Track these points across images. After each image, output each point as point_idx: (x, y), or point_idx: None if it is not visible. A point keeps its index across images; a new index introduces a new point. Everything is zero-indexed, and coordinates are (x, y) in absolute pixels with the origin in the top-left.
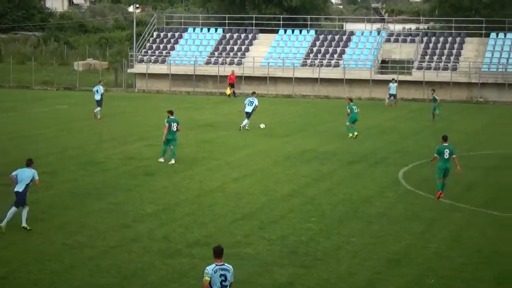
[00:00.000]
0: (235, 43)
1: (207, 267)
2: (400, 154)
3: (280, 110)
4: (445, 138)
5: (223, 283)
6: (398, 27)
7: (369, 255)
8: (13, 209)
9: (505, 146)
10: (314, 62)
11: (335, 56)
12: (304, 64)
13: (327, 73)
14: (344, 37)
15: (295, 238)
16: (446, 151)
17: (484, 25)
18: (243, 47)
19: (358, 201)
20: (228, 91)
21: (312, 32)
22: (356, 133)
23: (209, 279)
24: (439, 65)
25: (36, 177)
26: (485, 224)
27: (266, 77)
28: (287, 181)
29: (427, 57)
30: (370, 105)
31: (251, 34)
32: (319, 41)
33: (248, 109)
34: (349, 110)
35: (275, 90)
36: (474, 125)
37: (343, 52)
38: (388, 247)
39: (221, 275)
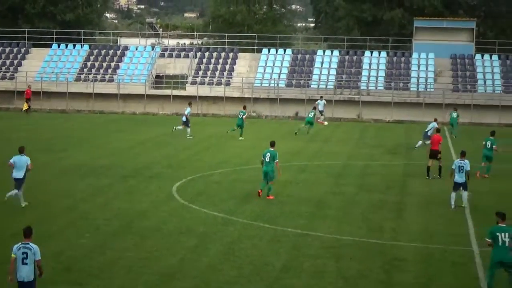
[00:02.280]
0: (7, 57)
1: (14, 246)
2: (174, 168)
3: (55, 125)
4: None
5: (24, 260)
6: (172, 42)
7: (144, 270)
8: (15, 191)
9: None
10: (88, 76)
11: (109, 70)
12: (78, 79)
13: (101, 88)
14: (119, 52)
15: (69, 254)
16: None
17: (256, 40)
18: (15, 61)
19: (133, 216)
20: (25, 106)
21: (86, 46)
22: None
23: (14, 256)
24: (213, 80)
25: (29, 162)
26: (256, 237)
27: (40, 91)
28: (64, 196)
29: (201, 72)
30: (143, 120)
31: (24, 48)
32: (93, 56)
33: None
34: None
35: (49, 105)
36: (248, 140)
37: (117, 66)
38: (162, 261)
39: (23, 253)
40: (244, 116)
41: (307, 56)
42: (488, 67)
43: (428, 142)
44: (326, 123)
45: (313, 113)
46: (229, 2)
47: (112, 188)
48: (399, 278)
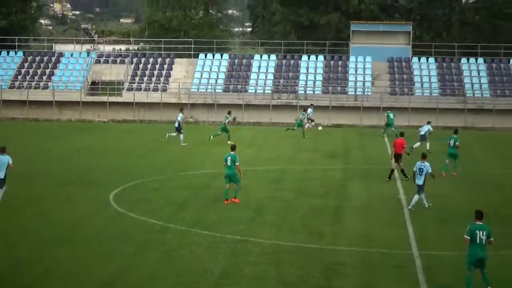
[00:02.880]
0: None
1: None
2: (111, 175)
3: None
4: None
5: None
6: (108, 48)
7: (83, 278)
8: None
9: (213, 165)
10: (22, 84)
11: (44, 77)
12: (12, 86)
13: (36, 95)
14: (53, 58)
15: (1, 265)
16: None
17: (192, 45)
18: None
19: (69, 224)
20: None
21: (20, 53)
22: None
23: None
24: (149, 86)
25: (11, 161)
26: (194, 244)
27: None
28: None
29: (137, 78)
30: (79, 127)
31: None
32: (28, 63)
33: None
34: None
35: None
36: (187, 146)
37: (52, 73)
38: (101, 269)
39: None
40: (227, 121)
41: (244, 61)
42: (425, 70)
43: (420, 143)
44: (320, 128)
45: (303, 115)
46: (165, 7)
47: (47, 195)
48: (339, 283)
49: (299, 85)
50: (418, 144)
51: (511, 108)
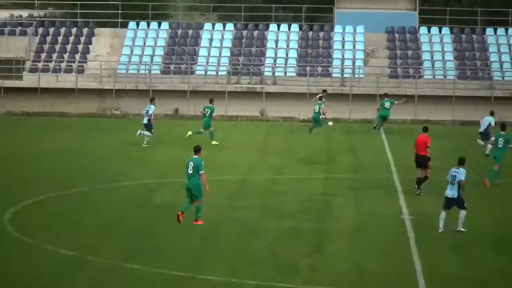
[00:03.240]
0: None
1: None
2: (10, 188)
3: None
4: None
5: None
6: (4, 14)
7: None
8: None
9: (161, 173)
10: None
11: None
12: None
13: None
14: None
15: None
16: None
17: (120, 11)
18: None
19: None
20: None
21: None
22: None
23: None
24: (60, 66)
25: None
26: (123, 283)
27: None
28: None
29: (43, 55)
30: None
31: None
32: None
33: None
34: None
35: None
36: (113, 147)
37: None
38: None
39: None
40: (213, 114)
41: (190, 32)
42: (437, 44)
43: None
44: (331, 123)
45: (318, 106)
46: None
47: None
48: None
49: (266, 65)
50: (483, 143)
51: None
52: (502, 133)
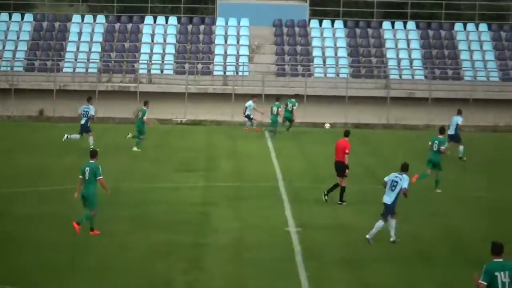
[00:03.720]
0: None
1: None
2: None
3: None
4: None
5: None
6: None
7: None
8: None
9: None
10: None
11: None
12: None
13: None
14: None
15: None
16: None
17: None
18: None
19: None
20: None
21: None
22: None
23: None
24: None
25: None
26: None
27: None
28: None
29: None
30: None
31: None
32: None
33: None
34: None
35: None
36: None
37: None
38: None
39: None
40: (145, 117)
41: (57, 25)
42: (329, 38)
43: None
44: (328, 125)
45: (276, 107)
46: None
47: None
48: None
49: (140, 61)
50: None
51: (450, 97)
52: (440, 136)
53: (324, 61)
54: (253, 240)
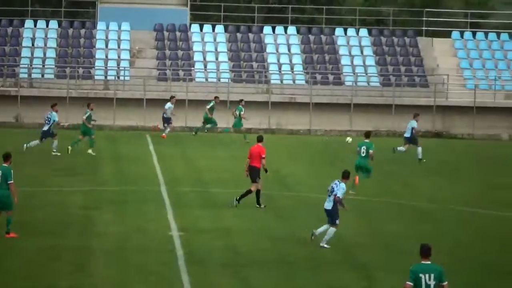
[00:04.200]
0: None
1: None
2: None
3: None
4: None
5: None
6: None
7: None
8: None
9: None
10: None
11: None
12: None
13: None
14: None
15: None
16: None
17: None
18: None
19: None
20: None
21: None
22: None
23: None
24: None
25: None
26: None
27: None
28: None
29: None
30: None
31: None
32: None
33: None
34: None
35: None
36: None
37: None
38: None
39: None
40: (84, 117)
41: None
42: (210, 43)
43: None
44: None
45: (238, 111)
46: None
47: None
48: None
49: (21, 65)
50: (402, 149)
51: (332, 102)
52: (366, 141)
53: (205, 66)
54: (137, 244)
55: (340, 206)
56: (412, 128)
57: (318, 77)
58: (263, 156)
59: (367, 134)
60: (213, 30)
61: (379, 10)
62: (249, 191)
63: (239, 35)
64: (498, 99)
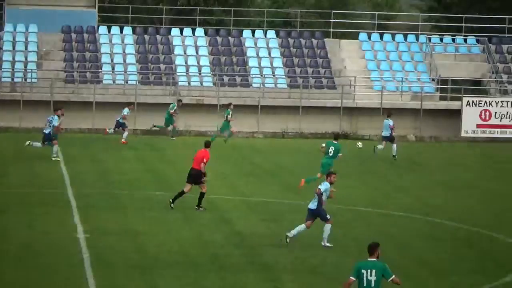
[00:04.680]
0: None
1: None
2: None
3: None
4: None
5: None
6: None
7: None
8: None
9: None
10: None
11: None
12: None
13: None
14: None
15: None
16: None
17: None
18: None
19: None
20: None
21: None
22: None
23: None
24: None
25: None
26: None
27: None
28: None
29: None
30: None
31: None
32: None
33: None
34: None
35: None
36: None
37: None
38: None
39: None
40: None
41: None
42: (118, 45)
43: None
44: (360, 144)
45: (226, 114)
46: None
47: None
48: None
49: None
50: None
51: (239, 103)
52: (334, 142)
53: (113, 68)
54: (43, 247)
55: (321, 202)
56: (389, 126)
57: (226, 79)
58: (205, 161)
59: (336, 136)
60: (121, 32)
61: (287, 11)
62: (182, 192)
63: (146, 37)
64: (404, 100)
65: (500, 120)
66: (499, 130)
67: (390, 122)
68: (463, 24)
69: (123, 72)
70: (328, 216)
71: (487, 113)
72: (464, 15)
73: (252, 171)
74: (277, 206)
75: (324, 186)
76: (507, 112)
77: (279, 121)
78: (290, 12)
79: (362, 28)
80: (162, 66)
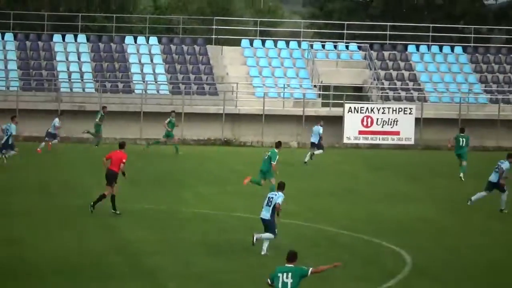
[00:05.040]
0: None
1: None
2: None
3: None
4: None
5: None
6: None
7: None
8: None
9: None
10: None
11: None
12: None
13: None
14: None
15: None
16: None
17: None
18: None
19: None
20: None
21: None
22: None
23: None
24: None
25: None
26: None
27: None
28: None
29: None
30: None
31: None
32: None
33: None
34: None
35: None
36: None
37: None
38: None
39: None
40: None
41: None
42: None
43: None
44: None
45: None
46: None
47: None
48: None
49: None
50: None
51: (122, 110)
52: (275, 150)
53: None
54: None
55: (276, 216)
56: (319, 134)
57: (108, 85)
58: (124, 161)
59: (277, 144)
60: (2, 38)
61: (169, 18)
62: (103, 196)
63: (28, 43)
64: (287, 107)
65: (382, 127)
66: (381, 136)
67: (320, 130)
68: (345, 31)
69: (4, 79)
70: (276, 231)
71: (369, 120)
72: (346, 22)
73: (137, 177)
74: (156, 214)
75: (280, 198)
76: (389, 119)
77: (162, 128)
78: (173, 19)
79: (245, 35)
80: (44, 72)
